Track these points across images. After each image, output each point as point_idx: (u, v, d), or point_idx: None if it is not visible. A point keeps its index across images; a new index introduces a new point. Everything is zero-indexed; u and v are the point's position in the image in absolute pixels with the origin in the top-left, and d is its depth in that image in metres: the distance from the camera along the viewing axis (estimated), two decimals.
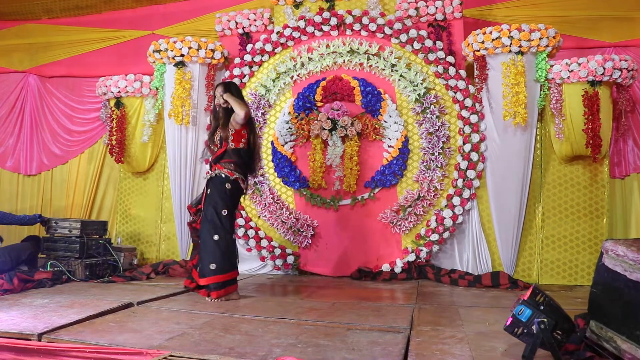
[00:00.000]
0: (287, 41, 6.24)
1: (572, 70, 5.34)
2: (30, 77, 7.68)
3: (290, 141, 6.09)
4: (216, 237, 4.23)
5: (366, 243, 5.85)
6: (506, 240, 5.62)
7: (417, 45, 5.88)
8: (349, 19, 6.04)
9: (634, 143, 5.88)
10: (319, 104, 6.02)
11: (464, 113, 5.72)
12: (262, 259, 6.04)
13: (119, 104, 6.52)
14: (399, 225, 5.76)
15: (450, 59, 5.82)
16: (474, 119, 5.68)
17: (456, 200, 5.65)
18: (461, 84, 5.75)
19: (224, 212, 4.29)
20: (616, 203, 5.86)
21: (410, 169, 5.85)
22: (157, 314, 3.58)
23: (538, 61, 5.49)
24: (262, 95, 6.23)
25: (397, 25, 5.92)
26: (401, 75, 5.88)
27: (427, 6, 5.95)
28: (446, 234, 5.68)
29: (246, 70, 6.30)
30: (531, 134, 5.58)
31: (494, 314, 3.73)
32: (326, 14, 6.09)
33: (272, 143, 6.14)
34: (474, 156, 5.66)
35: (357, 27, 6.03)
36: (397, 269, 5.68)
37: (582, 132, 5.34)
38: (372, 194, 5.87)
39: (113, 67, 7.04)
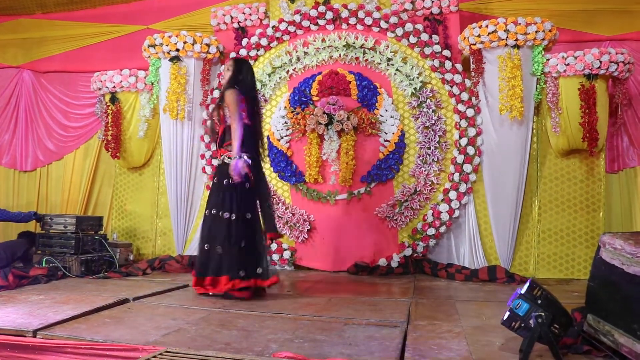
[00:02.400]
0: (282, 35, 6.22)
1: (568, 64, 5.34)
2: (24, 73, 7.63)
3: (286, 136, 6.07)
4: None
5: (363, 238, 5.84)
6: (503, 234, 5.62)
7: (413, 39, 5.86)
8: (344, 13, 6.01)
9: (628, 139, 5.88)
10: (315, 98, 6.00)
11: (460, 107, 5.71)
12: None
13: (114, 99, 6.49)
14: (396, 219, 5.76)
15: (447, 52, 5.81)
16: (470, 112, 5.67)
17: (452, 195, 5.64)
18: (457, 78, 5.74)
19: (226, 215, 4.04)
20: (613, 197, 5.86)
21: (406, 163, 5.84)
22: (153, 310, 3.57)
23: (534, 55, 5.48)
24: (258, 89, 6.20)
25: (393, 19, 5.90)
26: (397, 70, 5.87)
27: (423, 0, 5.93)
28: (443, 228, 5.68)
29: None
30: (527, 127, 5.57)
31: (491, 308, 3.73)
32: (322, 8, 6.06)
33: (268, 138, 6.12)
34: (471, 150, 5.66)
35: (352, 21, 6.01)
36: (394, 264, 5.67)
37: (578, 126, 5.34)
38: (368, 189, 5.86)
39: (108, 62, 6.98)
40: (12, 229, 6.90)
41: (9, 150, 7.54)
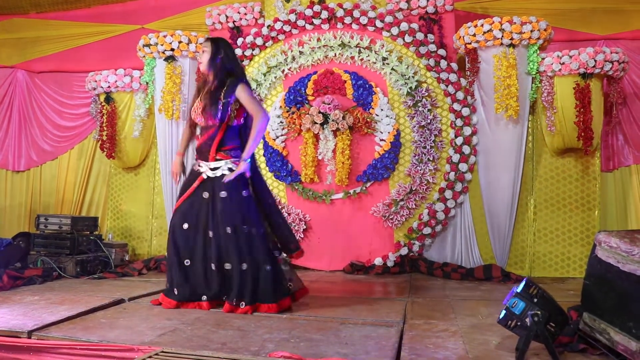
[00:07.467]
0: (278, 35, 6.20)
1: (563, 63, 5.34)
2: (18, 73, 7.59)
3: (281, 135, 6.07)
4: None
5: (359, 237, 5.84)
6: (498, 233, 5.63)
7: (408, 39, 5.86)
8: (340, 12, 6.01)
9: (623, 137, 5.89)
10: (310, 97, 6.00)
11: (456, 106, 5.71)
12: None
13: (108, 99, 6.46)
14: (392, 219, 5.76)
15: (442, 52, 5.81)
16: (465, 112, 5.68)
17: (448, 194, 5.65)
18: (453, 77, 5.74)
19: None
20: (608, 195, 5.87)
21: (402, 163, 5.84)
22: (149, 310, 3.56)
23: (529, 54, 5.48)
24: (253, 89, 6.19)
25: (388, 19, 5.89)
26: (392, 69, 5.87)
27: None
28: (438, 228, 5.68)
29: None
30: (523, 126, 5.58)
31: (487, 307, 3.73)
32: (317, 7, 6.05)
33: (264, 137, 6.11)
34: (466, 149, 5.66)
35: (348, 20, 6.00)
36: (390, 263, 5.67)
37: (573, 125, 5.34)
38: (364, 188, 5.86)
39: (103, 62, 6.96)
40: (7, 229, 6.89)
41: (1, 150, 7.50)
